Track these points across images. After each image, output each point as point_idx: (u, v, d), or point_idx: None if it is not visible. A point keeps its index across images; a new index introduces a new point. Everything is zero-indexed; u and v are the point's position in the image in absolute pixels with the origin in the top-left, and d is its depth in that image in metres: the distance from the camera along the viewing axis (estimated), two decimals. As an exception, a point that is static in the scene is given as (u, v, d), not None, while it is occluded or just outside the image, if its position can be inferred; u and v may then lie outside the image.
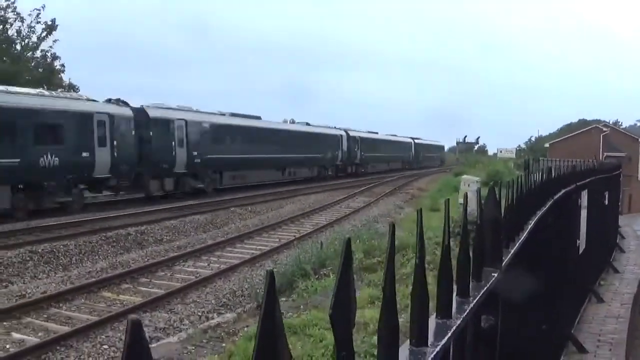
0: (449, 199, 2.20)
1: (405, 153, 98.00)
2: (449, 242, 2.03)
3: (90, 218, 29.25)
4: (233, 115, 50.61)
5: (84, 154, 33.32)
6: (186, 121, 42.07)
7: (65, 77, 62.12)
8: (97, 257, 22.85)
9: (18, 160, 29.04)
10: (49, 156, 30.73)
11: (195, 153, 42.49)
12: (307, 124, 65.91)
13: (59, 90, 47.25)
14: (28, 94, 32.04)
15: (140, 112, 38.79)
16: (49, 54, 59.55)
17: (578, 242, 9.54)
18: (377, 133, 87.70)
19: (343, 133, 72.26)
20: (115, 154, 35.34)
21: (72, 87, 59.78)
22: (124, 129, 36.52)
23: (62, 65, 61.02)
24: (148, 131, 38.67)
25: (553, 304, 6.70)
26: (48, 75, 58.21)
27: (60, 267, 21.13)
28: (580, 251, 9.78)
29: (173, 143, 40.69)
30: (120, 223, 28.53)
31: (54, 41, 59.07)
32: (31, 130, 29.97)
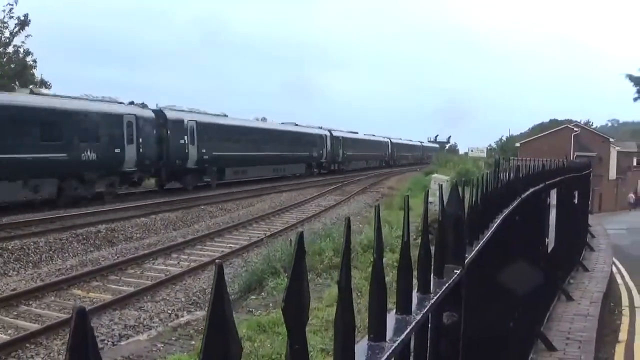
0: (407, 196, 2.22)
1: (418, 152, 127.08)
2: (408, 238, 2.05)
3: (60, 215, 29.04)
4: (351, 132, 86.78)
5: (321, 151, 71.73)
6: (343, 137, 79.88)
7: (37, 73, 61.56)
8: (67, 254, 22.70)
9: (278, 153, 59.24)
10: (302, 152, 66.10)
11: (340, 152, 78.34)
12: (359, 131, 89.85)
13: (29, 86, 46.64)
14: (289, 123, 68.23)
15: (330, 132, 75.47)
16: (21, 50, 58.95)
17: (547, 240, 9.62)
18: (400, 138, 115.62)
19: (386, 140, 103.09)
20: (326, 151, 73.14)
21: (44, 83, 59.20)
22: (326, 141, 73.38)
23: (34, 61, 60.46)
24: (332, 142, 75.11)
25: (521, 302, 6.74)
26: (21, 70, 57.61)
27: (30, 264, 20.99)
28: (550, 249, 9.87)
29: (339, 148, 77.61)
30: (90, 220, 28.36)
31: (27, 36, 58.47)
32: (288, 142, 62.44)
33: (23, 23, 57.40)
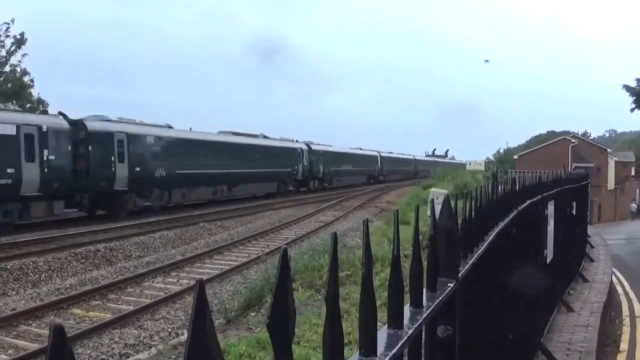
0: (397, 210, 2.22)
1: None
2: (398, 252, 2.05)
3: (59, 234, 29.02)
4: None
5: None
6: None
7: (34, 92, 61.27)
8: (66, 273, 22.66)
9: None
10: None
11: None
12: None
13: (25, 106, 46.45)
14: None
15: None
16: (18, 69, 58.64)
17: (545, 252, 9.61)
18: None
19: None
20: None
21: (41, 102, 59.05)
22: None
23: (32, 80, 60.13)
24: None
25: (520, 314, 6.73)
26: (18, 90, 57.29)
27: (30, 284, 20.94)
28: (548, 261, 9.85)
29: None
30: (89, 239, 28.32)
31: (23, 55, 58.15)
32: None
33: (20, 42, 57.00)
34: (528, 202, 7.39)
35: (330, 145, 79.72)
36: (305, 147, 69.59)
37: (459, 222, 3.20)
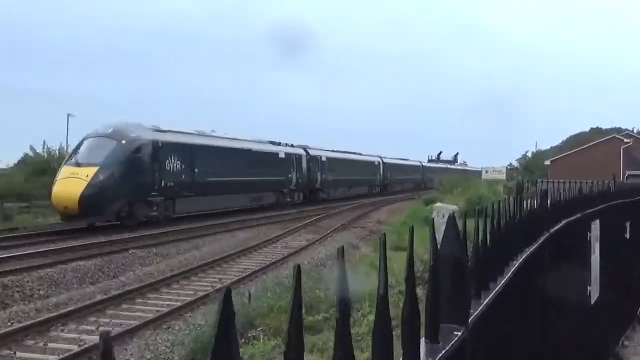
0: (385, 234, 2.23)
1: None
2: (385, 292, 2.04)
3: None
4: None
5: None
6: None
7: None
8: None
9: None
10: None
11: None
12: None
13: None
14: None
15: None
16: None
17: (589, 288, 9.60)
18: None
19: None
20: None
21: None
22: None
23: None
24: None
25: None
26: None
27: None
28: (593, 301, 9.85)
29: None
30: (-25, 274, 27.83)
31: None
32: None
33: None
34: (564, 222, 7.40)
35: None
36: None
37: (470, 248, 3.20)
